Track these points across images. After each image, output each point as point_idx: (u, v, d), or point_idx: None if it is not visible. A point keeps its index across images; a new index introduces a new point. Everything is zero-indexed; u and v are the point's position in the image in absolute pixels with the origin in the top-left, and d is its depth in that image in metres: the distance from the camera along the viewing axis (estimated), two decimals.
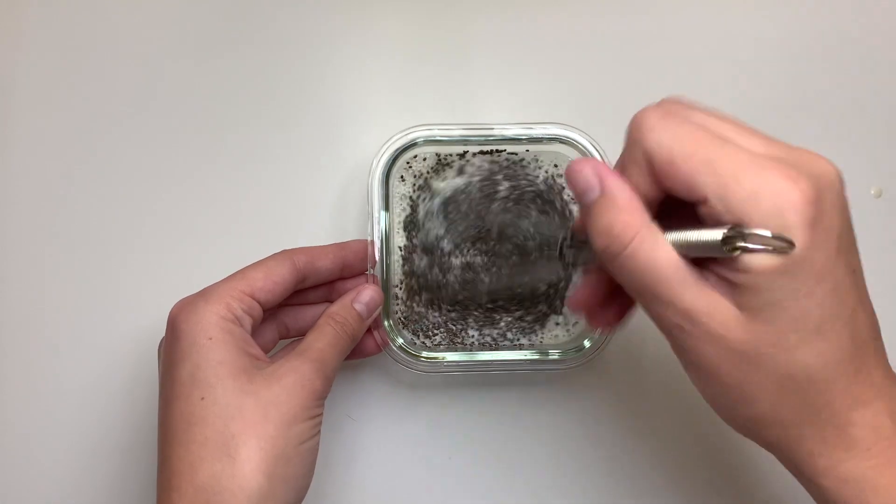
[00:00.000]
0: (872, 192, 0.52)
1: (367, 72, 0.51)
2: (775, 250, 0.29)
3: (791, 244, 0.28)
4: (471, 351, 0.47)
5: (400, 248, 0.48)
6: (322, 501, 0.48)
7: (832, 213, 0.30)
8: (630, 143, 0.32)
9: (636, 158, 0.31)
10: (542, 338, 0.48)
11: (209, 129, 0.51)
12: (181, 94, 0.51)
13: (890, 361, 0.33)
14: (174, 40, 0.52)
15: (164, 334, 0.40)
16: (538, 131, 0.47)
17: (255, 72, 0.51)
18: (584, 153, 0.47)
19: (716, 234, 0.29)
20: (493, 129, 0.47)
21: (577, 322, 0.48)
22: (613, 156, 0.45)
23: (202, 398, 0.36)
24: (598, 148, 0.46)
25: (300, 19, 0.52)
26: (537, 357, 0.47)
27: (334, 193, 0.50)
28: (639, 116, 0.32)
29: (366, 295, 0.44)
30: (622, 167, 0.33)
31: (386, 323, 0.46)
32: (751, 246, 0.29)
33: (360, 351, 0.45)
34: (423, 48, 0.52)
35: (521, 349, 0.47)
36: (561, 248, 0.39)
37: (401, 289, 0.48)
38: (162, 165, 0.51)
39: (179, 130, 0.51)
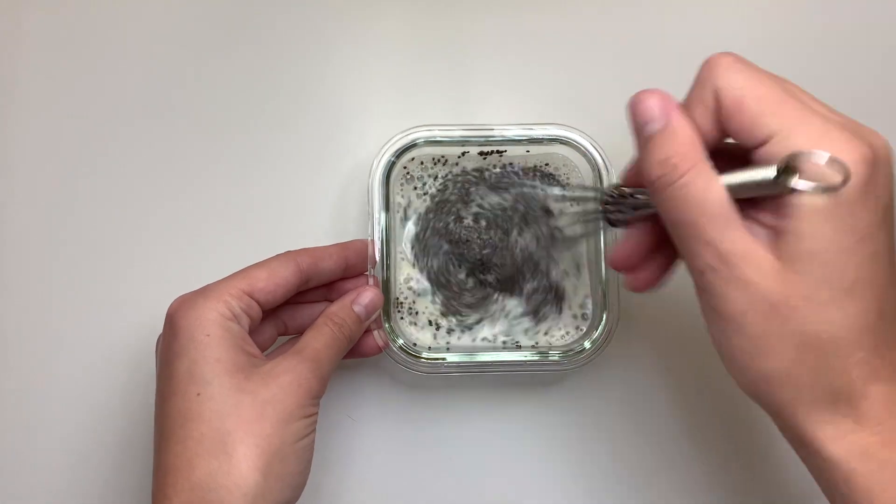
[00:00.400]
0: None
1: (368, 72, 0.52)
2: (826, 191, 0.29)
3: (847, 172, 0.29)
4: (471, 352, 0.47)
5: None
6: (321, 501, 0.48)
7: (883, 183, 0.30)
8: (700, 81, 0.33)
9: (704, 96, 0.33)
10: (547, 331, 0.48)
11: (210, 129, 0.51)
12: (182, 95, 0.51)
13: None
14: (175, 42, 0.52)
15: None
16: (538, 132, 0.47)
17: (255, 73, 0.52)
18: (585, 154, 0.47)
19: (771, 170, 0.30)
20: (493, 129, 0.47)
21: (585, 317, 0.48)
22: (613, 155, 0.46)
23: (198, 394, 0.36)
24: (599, 148, 0.46)
25: (301, 20, 0.52)
26: (537, 358, 0.46)
27: (335, 194, 0.50)
28: (713, 58, 0.33)
29: (365, 297, 0.44)
30: (686, 104, 0.33)
31: (386, 324, 0.46)
32: (803, 183, 0.29)
33: (360, 351, 0.45)
34: (423, 48, 0.52)
35: (521, 350, 0.47)
36: (604, 205, 0.40)
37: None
38: (162, 165, 0.51)
39: (180, 131, 0.51)
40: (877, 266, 0.31)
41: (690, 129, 0.33)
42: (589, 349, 0.46)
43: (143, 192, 0.51)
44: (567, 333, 0.48)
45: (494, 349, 0.47)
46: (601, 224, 0.41)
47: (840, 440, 0.32)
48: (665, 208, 0.33)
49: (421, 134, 0.47)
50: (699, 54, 0.52)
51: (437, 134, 0.47)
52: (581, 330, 0.48)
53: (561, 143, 0.47)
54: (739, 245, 0.31)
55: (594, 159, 0.46)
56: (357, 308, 0.43)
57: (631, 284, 0.39)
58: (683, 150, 0.32)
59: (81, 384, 0.49)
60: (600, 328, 0.46)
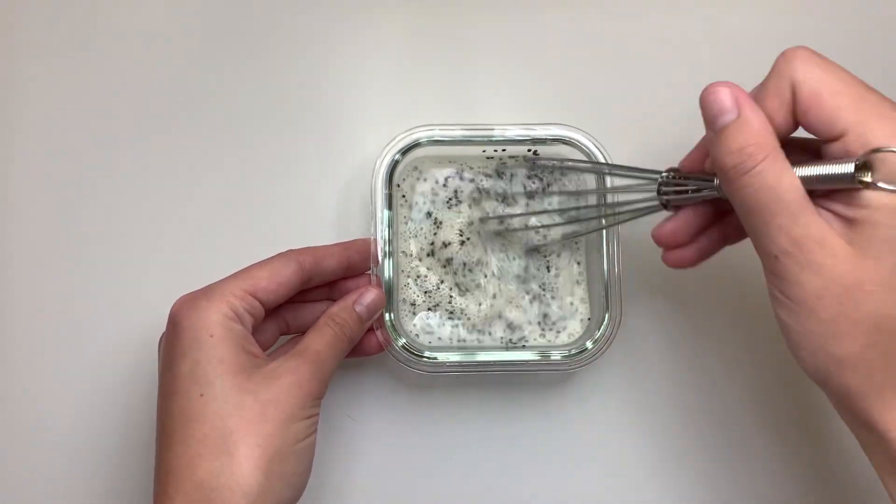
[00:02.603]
0: None
1: (370, 73, 0.52)
2: None
3: None
4: (472, 352, 0.47)
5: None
6: (322, 501, 0.48)
7: None
8: (776, 73, 0.34)
9: (779, 88, 0.33)
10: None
11: (213, 130, 0.51)
12: (184, 96, 0.51)
13: None
14: (178, 43, 0.52)
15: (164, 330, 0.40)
16: (540, 132, 0.47)
17: (258, 74, 0.52)
18: (587, 153, 0.47)
19: (850, 166, 0.32)
20: (493, 129, 0.47)
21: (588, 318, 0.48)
22: (615, 155, 0.46)
23: (201, 394, 0.37)
24: (601, 148, 0.46)
25: (304, 22, 0.52)
26: (539, 358, 0.46)
27: (337, 194, 0.50)
28: (790, 50, 0.34)
29: (367, 297, 0.44)
30: (758, 97, 0.34)
31: (388, 323, 0.46)
32: (883, 185, 0.31)
33: (361, 350, 0.45)
34: (425, 49, 0.52)
35: (523, 350, 0.47)
36: (660, 187, 0.41)
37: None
38: (165, 165, 0.51)
39: (184, 131, 0.51)
40: None
41: (764, 120, 0.33)
42: (591, 349, 0.46)
43: (145, 192, 0.51)
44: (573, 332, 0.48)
45: (496, 349, 0.48)
46: (653, 207, 0.42)
47: None
48: (740, 195, 0.34)
49: (423, 134, 0.47)
50: (700, 55, 0.52)
51: (439, 134, 0.47)
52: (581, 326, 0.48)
53: (563, 142, 0.47)
54: (814, 230, 0.32)
55: (596, 159, 0.46)
56: (359, 308, 0.43)
57: (669, 259, 0.41)
58: (758, 139, 0.33)
59: (83, 384, 0.49)
60: (602, 328, 0.46)
